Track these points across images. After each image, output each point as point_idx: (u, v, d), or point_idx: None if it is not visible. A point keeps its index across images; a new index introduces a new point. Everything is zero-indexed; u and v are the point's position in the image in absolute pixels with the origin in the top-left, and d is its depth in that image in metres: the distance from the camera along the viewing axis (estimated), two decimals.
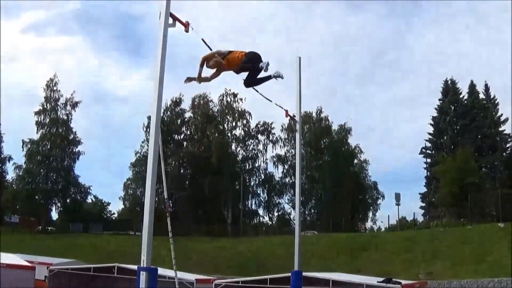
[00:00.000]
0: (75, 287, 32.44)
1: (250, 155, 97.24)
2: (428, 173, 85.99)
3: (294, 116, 16.28)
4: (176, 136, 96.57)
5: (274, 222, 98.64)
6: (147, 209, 9.38)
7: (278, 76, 12.88)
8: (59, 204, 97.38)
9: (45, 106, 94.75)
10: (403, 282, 24.97)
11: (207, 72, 12.63)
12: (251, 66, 12.43)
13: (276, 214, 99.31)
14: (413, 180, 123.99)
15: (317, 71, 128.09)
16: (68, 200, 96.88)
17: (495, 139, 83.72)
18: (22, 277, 28.40)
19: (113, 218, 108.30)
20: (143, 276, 9.09)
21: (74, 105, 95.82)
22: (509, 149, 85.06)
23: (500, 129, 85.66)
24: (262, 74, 12.75)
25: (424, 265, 46.82)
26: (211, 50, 12.13)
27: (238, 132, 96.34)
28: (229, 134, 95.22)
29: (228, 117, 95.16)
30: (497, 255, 42.88)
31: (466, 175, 64.12)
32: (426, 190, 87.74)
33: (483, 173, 76.38)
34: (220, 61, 12.19)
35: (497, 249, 43.81)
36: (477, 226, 53.02)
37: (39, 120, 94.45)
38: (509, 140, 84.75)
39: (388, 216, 79.45)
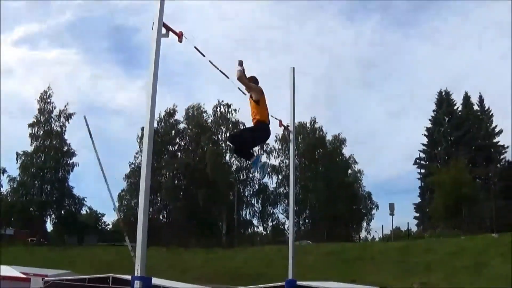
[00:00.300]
0: None
1: (244, 165, 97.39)
2: (422, 183, 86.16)
3: (288, 126, 16.40)
4: (170, 147, 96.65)
5: (268, 232, 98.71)
6: (140, 219, 9.47)
7: (263, 171, 13.01)
8: (53, 216, 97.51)
9: (39, 118, 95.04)
10: None
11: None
12: (255, 135, 12.47)
13: (270, 224, 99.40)
14: (407, 190, 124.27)
15: (311, 81, 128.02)
16: (62, 212, 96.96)
17: (490, 151, 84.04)
18: None
19: (108, 229, 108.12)
20: (137, 285, 9.16)
21: (68, 117, 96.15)
22: (503, 161, 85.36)
23: (495, 140, 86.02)
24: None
25: (418, 275, 46.87)
26: (203, 56, 12.07)
27: None
28: (223, 145, 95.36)
29: (222, 127, 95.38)
30: (491, 266, 43.06)
31: (460, 187, 64.28)
32: (420, 200, 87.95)
33: (477, 184, 76.59)
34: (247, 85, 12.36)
35: (491, 260, 43.99)
36: (472, 237, 53.20)
37: (33, 132, 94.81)
38: (503, 151, 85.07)
39: (382, 226, 79.39)
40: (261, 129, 12.13)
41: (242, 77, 12.04)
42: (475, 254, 46.61)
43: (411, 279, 45.19)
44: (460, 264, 46.08)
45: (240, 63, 12.23)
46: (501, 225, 55.04)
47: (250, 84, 12.11)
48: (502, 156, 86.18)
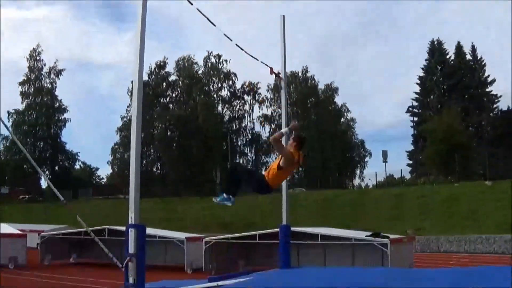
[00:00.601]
0: (67, 252, 32.72)
1: (236, 115, 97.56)
2: (415, 131, 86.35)
3: (279, 73, 16.25)
4: (162, 99, 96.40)
5: None
6: (132, 167, 9.43)
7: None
8: (48, 172, 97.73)
9: (29, 76, 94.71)
10: (391, 236, 25.19)
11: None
12: (252, 183, 11.42)
13: None
14: (400, 138, 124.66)
15: (303, 31, 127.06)
16: (56, 168, 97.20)
17: (482, 100, 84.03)
18: (14, 246, 28.63)
19: (103, 183, 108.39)
20: (131, 233, 9.17)
21: (58, 73, 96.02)
22: (496, 110, 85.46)
23: (487, 89, 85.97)
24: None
25: (412, 221, 47.27)
26: (191, 4, 11.46)
27: (224, 93, 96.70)
28: (215, 96, 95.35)
29: (213, 78, 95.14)
30: (484, 212, 43.44)
31: (453, 135, 64.38)
32: (413, 148, 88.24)
33: (470, 133, 76.74)
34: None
35: (484, 207, 44.35)
36: (465, 184, 53.51)
37: (24, 90, 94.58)
38: (496, 100, 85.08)
39: (376, 173, 79.96)
40: (262, 185, 10.98)
41: (275, 140, 10.74)
42: (469, 201, 46.97)
43: (405, 226, 45.52)
44: (454, 211, 46.47)
45: (285, 132, 11.22)
46: (494, 173, 55.44)
47: (283, 150, 10.72)
48: (494, 105, 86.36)
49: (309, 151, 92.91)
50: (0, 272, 23.18)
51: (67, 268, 29.33)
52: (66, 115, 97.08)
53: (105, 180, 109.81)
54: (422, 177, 69.34)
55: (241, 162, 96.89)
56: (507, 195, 43.53)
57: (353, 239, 25.24)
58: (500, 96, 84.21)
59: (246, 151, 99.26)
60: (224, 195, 11.34)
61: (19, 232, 31.23)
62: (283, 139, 11.43)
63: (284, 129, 11.08)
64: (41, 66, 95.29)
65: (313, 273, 10.53)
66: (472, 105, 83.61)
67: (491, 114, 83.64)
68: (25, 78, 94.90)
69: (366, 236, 25.13)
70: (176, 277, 17.39)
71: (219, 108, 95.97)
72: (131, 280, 9.08)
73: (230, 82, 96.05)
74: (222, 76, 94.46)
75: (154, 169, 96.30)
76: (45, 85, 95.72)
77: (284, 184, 16.68)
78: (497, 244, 35.99)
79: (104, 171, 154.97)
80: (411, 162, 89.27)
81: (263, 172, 11.18)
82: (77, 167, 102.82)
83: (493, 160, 60.32)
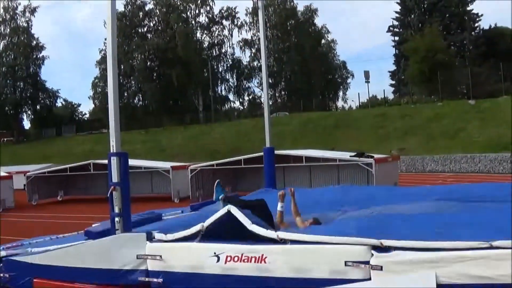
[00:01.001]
0: (54, 190, 32.74)
1: (216, 41, 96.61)
2: (396, 51, 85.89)
3: None
4: (139, 29, 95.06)
5: (245, 107, 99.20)
6: (111, 94, 9.29)
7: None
8: (29, 112, 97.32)
9: (4, 17, 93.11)
10: (376, 156, 25.30)
11: None
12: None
13: (246, 98, 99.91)
14: (382, 58, 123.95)
15: None
16: (38, 107, 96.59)
17: (463, 19, 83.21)
18: (1, 188, 28.51)
19: (85, 118, 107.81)
20: (114, 161, 9.07)
21: (33, 11, 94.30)
22: (477, 29, 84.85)
23: (468, 8, 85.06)
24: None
25: (396, 141, 47.50)
26: None
27: (202, 19, 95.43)
28: (193, 22, 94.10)
29: (190, 5, 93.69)
30: (468, 131, 43.65)
31: (435, 53, 64.09)
32: (396, 68, 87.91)
33: (452, 51, 76.33)
34: None
35: (468, 126, 44.55)
36: (448, 103, 53.61)
37: (0, 31, 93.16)
38: (477, 19, 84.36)
39: (359, 94, 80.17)
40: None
41: (280, 223, 9.48)
42: (453, 120, 47.14)
43: (389, 146, 45.75)
44: (437, 130, 46.67)
45: (282, 198, 9.80)
46: (476, 92, 55.57)
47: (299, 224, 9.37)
48: (476, 24, 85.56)
49: (290, 75, 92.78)
50: None
51: (55, 206, 29.39)
52: (44, 53, 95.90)
53: (87, 116, 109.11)
54: (405, 97, 69.37)
55: (222, 89, 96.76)
56: (490, 114, 43.81)
57: (338, 160, 25.38)
58: (482, 15, 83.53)
59: (227, 77, 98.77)
60: (220, 198, 10.66)
61: (4, 174, 31.02)
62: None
63: (278, 206, 9.65)
64: (15, 6, 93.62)
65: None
66: (453, 24, 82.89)
67: (472, 33, 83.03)
68: (0, 19, 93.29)
69: (350, 156, 25.24)
70: (163, 207, 17.40)
71: (198, 35, 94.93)
72: (116, 210, 9.02)
73: (208, 8, 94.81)
74: (199, 2, 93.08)
75: (136, 101, 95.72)
76: (21, 24, 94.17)
77: (266, 107, 16.59)
78: (482, 163, 36.20)
79: (86, 107, 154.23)
80: (393, 82, 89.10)
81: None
82: (59, 104, 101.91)
83: (476, 79, 60.31)
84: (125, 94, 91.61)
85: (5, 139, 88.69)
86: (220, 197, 10.77)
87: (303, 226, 9.20)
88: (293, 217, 9.79)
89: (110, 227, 9.50)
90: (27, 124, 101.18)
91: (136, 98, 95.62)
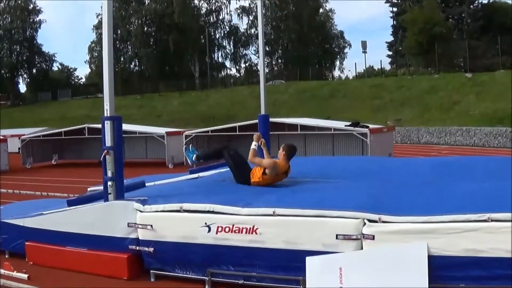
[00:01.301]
0: (48, 154, 32.70)
1: (213, 8, 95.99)
2: (394, 22, 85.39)
3: None
4: None
5: (241, 74, 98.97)
6: (105, 56, 9.18)
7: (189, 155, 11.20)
8: (25, 76, 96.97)
9: None
10: (371, 126, 25.27)
11: None
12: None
13: (243, 65, 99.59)
14: (380, 29, 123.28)
15: None
16: (34, 71, 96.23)
17: None
18: None
19: (81, 83, 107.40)
20: (107, 125, 8.99)
21: None
22: (476, 2, 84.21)
23: None
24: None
25: (392, 112, 47.53)
26: None
27: None
28: None
29: None
30: (464, 104, 43.58)
31: (433, 25, 63.80)
32: (393, 39, 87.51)
33: (450, 24, 75.84)
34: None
35: (464, 99, 44.46)
36: (444, 75, 53.46)
37: None
38: None
39: (355, 64, 79.73)
40: (244, 182, 10.15)
41: (251, 160, 10.27)
42: (448, 92, 47.06)
43: (385, 116, 45.75)
44: (433, 102, 46.62)
45: (257, 138, 10.82)
46: (473, 65, 55.39)
47: (263, 162, 10.15)
48: None
49: (287, 43, 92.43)
50: None
51: (49, 170, 29.36)
52: (41, 17, 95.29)
53: (84, 80, 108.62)
54: (402, 68, 69.21)
55: (219, 56, 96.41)
56: (487, 88, 43.71)
57: (333, 129, 25.33)
58: None
59: (224, 43, 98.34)
60: (194, 157, 10.88)
61: None
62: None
63: (252, 145, 10.48)
64: None
65: (293, 160, 10.47)
66: None
67: (471, 6, 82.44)
68: None
69: (346, 126, 25.22)
70: (157, 172, 17.39)
71: (196, 1, 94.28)
72: (109, 174, 8.97)
73: None
74: None
75: (132, 66, 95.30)
76: None
77: (261, 74, 16.51)
78: (477, 136, 36.08)
79: (83, 71, 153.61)
80: (391, 53, 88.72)
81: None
82: (55, 68, 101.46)
83: (473, 53, 60.10)
84: (121, 59, 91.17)
85: (1, 102, 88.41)
86: (193, 158, 10.84)
87: (270, 157, 10.38)
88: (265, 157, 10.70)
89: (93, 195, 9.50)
90: (23, 88, 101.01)
91: (132, 64, 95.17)
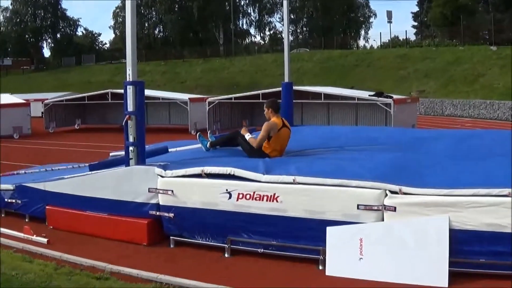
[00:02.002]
0: (71, 118, 32.86)
1: None
2: None
3: None
4: None
5: (266, 42, 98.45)
6: (128, 22, 9.11)
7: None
8: (50, 41, 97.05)
9: None
10: (395, 96, 25.07)
11: None
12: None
13: (268, 33, 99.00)
14: None
15: None
16: (58, 35, 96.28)
17: None
18: (18, 115, 28.55)
19: (106, 48, 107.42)
20: (130, 90, 8.96)
21: None
22: None
23: None
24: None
25: (416, 83, 47.08)
26: None
27: None
28: None
29: None
30: (488, 77, 42.98)
31: None
32: (419, 9, 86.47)
33: None
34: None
35: (489, 72, 43.86)
36: (469, 47, 52.78)
37: None
38: None
39: (380, 33, 78.68)
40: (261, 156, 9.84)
41: (254, 143, 10.11)
42: (473, 65, 46.44)
43: (409, 87, 45.38)
44: (457, 74, 46.07)
45: (245, 131, 10.53)
46: (499, 38, 54.60)
47: (263, 132, 9.98)
48: None
49: (312, 11, 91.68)
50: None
51: (72, 134, 29.54)
52: None
53: (108, 45, 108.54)
54: (427, 39, 68.36)
55: (244, 23, 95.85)
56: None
57: (357, 99, 25.16)
58: None
59: (249, 10, 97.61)
60: (208, 144, 10.75)
61: (22, 101, 30.94)
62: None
63: (246, 136, 10.26)
64: None
65: (315, 129, 10.40)
66: None
67: None
68: None
69: (369, 96, 25.03)
70: (180, 138, 17.38)
71: None
72: (131, 139, 8.97)
73: None
74: None
75: (156, 32, 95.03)
76: None
77: (286, 42, 16.38)
78: (501, 110, 35.61)
79: (107, 37, 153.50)
80: (416, 23, 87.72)
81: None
82: (79, 33, 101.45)
83: (498, 26, 59.19)
84: (146, 24, 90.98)
85: (25, 66, 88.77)
86: (207, 145, 10.74)
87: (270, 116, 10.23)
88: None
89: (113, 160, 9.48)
90: (47, 53, 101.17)
91: (157, 29, 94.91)
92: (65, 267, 7.46)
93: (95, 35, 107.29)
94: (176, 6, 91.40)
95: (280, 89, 16.43)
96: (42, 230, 9.25)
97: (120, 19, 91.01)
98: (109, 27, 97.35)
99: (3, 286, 6.73)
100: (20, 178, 11.85)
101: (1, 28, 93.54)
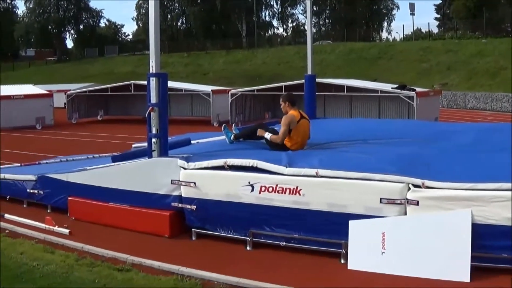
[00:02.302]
0: (94, 109, 33.02)
1: None
2: None
3: None
4: None
5: (288, 33, 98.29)
6: (152, 14, 9.12)
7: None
8: (72, 32, 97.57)
9: None
10: (418, 89, 24.94)
11: None
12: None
13: (290, 25, 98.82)
14: None
15: None
16: (81, 27, 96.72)
17: None
18: (41, 106, 28.77)
19: (128, 40, 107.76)
20: (153, 82, 8.99)
21: None
22: None
23: None
24: None
25: (439, 75, 46.81)
26: None
27: None
28: None
29: None
30: (511, 70, 42.61)
31: None
32: (441, 2, 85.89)
33: None
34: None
35: (511, 65, 43.49)
36: (492, 40, 52.36)
37: None
38: None
39: (403, 26, 78.30)
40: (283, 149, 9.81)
41: (276, 138, 10.03)
42: (495, 58, 46.04)
43: (431, 80, 45.12)
44: (480, 67, 45.74)
45: (263, 128, 10.60)
46: None
47: (281, 128, 10.01)
48: None
49: (335, 3, 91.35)
50: None
51: (95, 125, 29.72)
52: None
53: (130, 37, 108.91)
54: (450, 32, 67.94)
55: (266, 15, 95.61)
56: None
57: (380, 91, 25.06)
58: None
59: (272, 2, 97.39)
60: (232, 136, 10.71)
61: (45, 92, 31.14)
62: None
63: (265, 135, 10.19)
64: None
65: (337, 122, 10.37)
66: None
67: None
68: None
69: (392, 88, 24.92)
70: (202, 130, 17.42)
71: None
72: (153, 131, 8.99)
73: None
74: None
75: (180, 23, 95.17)
76: None
77: (309, 34, 16.31)
78: None
79: (130, 28, 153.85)
80: (438, 16, 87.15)
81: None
82: (102, 25, 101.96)
83: None
84: (169, 16, 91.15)
85: (48, 58, 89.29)
86: (231, 138, 10.71)
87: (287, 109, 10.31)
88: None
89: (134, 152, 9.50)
90: (69, 44, 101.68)
91: (180, 21, 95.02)
92: (86, 258, 7.51)
93: (118, 27, 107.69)
94: None
95: (303, 81, 16.39)
96: (64, 221, 9.33)
97: (143, 11, 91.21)
98: (132, 19, 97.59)
99: (25, 276, 6.79)
100: (41, 169, 11.94)
101: (25, 19, 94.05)
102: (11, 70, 75.96)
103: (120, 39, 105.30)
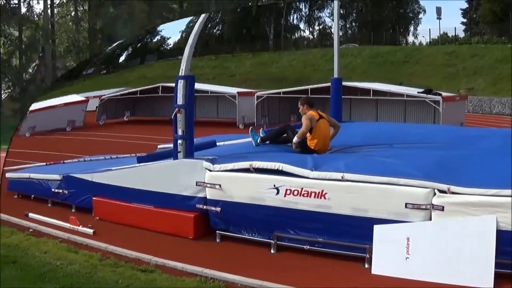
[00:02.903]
0: (121, 111, 33.39)
1: None
2: None
3: None
4: None
5: (315, 36, 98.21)
6: (197, 25, 9.24)
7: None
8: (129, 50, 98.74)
9: None
10: (444, 94, 24.78)
11: None
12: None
13: (317, 28, 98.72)
14: None
15: None
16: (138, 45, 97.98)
17: None
18: (74, 111, 29.56)
19: (168, 48, 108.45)
20: (180, 84, 9.05)
21: None
22: None
23: None
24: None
25: (465, 80, 46.48)
26: None
27: None
28: None
29: None
30: None
31: None
32: (468, 6, 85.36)
33: None
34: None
35: None
36: None
37: None
38: None
39: (430, 30, 77.51)
40: (308, 152, 9.94)
41: (299, 133, 10.21)
42: None
43: (457, 84, 44.82)
44: (506, 71, 45.29)
45: (289, 130, 10.88)
46: None
47: (302, 128, 10.19)
48: None
49: (362, 6, 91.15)
50: None
51: (120, 126, 30.00)
52: None
53: (171, 45, 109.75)
54: (476, 36, 67.50)
55: (294, 18, 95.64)
56: None
57: (405, 96, 24.95)
58: None
59: (300, 6, 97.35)
60: (258, 139, 10.79)
61: (82, 98, 31.85)
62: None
63: (294, 139, 10.20)
64: None
65: (363, 126, 10.36)
66: None
67: None
68: None
69: (418, 92, 24.80)
70: (227, 132, 17.43)
71: None
72: (179, 132, 9.06)
73: None
74: None
75: (209, 26, 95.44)
76: None
77: (335, 37, 16.27)
78: None
79: (174, 38, 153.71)
80: (465, 20, 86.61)
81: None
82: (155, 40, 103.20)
83: None
84: (209, 25, 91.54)
85: (102, 72, 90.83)
86: (257, 141, 10.76)
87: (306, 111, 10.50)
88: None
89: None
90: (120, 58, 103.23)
91: (209, 25, 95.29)
92: (110, 259, 7.58)
93: (165, 38, 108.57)
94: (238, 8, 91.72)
95: (329, 84, 16.34)
96: (88, 221, 9.38)
97: (191, 24, 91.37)
98: (179, 32, 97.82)
99: (48, 275, 6.85)
100: (66, 168, 12.03)
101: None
102: (70, 85, 77.44)
103: (162, 48, 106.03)
